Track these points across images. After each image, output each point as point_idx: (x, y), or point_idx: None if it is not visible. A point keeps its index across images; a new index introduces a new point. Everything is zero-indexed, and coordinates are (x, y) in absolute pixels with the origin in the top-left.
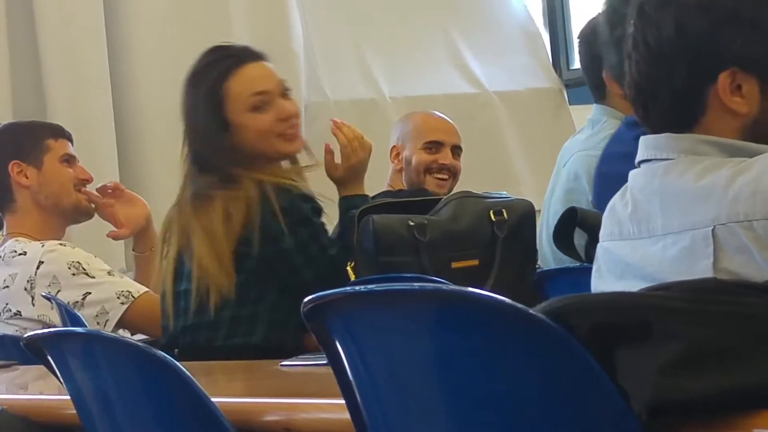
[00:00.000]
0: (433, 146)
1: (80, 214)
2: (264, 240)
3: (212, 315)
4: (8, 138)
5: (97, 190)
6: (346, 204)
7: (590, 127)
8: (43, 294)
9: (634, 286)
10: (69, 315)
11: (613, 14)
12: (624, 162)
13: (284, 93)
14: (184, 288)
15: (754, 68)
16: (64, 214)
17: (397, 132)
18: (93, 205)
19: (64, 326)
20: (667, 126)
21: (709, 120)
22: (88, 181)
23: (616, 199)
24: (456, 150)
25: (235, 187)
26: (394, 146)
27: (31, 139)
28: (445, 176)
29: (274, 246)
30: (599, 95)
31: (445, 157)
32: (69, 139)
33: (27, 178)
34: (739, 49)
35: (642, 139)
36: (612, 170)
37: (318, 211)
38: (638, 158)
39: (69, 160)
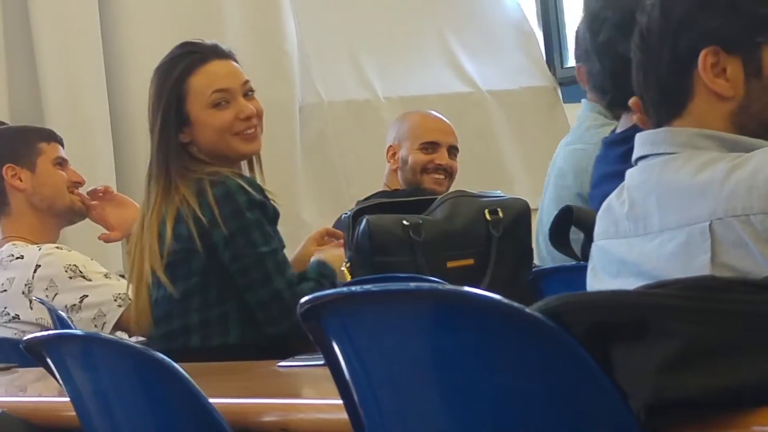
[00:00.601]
0: (430, 146)
1: (74, 215)
2: (198, 235)
3: (178, 322)
4: (1, 142)
5: (87, 193)
6: (320, 266)
7: (576, 121)
8: (36, 298)
9: (630, 284)
10: (60, 321)
11: (593, 21)
12: (613, 182)
13: (247, 93)
14: (160, 295)
15: (736, 48)
16: (58, 216)
17: (394, 132)
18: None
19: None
20: (659, 116)
21: (697, 106)
22: (81, 183)
23: (612, 198)
24: (452, 150)
25: (175, 188)
26: (390, 146)
27: (24, 142)
28: (442, 176)
29: (206, 240)
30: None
31: (442, 157)
32: (60, 143)
33: (21, 180)
34: (718, 29)
35: (638, 136)
36: (604, 193)
37: (257, 204)
38: (635, 155)
39: (61, 163)
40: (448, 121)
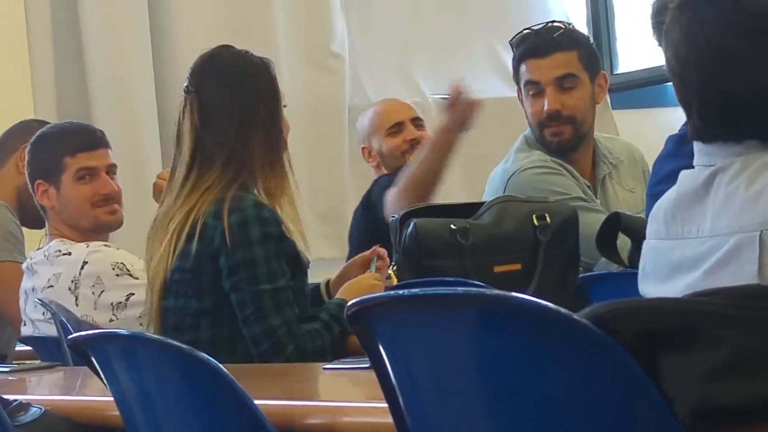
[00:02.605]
0: (395, 128)
1: (102, 230)
2: (207, 255)
3: (189, 336)
4: (33, 155)
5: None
6: (339, 308)
7: None
8: (37, 300)
9: (679, 288)
10: (63, 327)
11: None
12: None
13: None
14: (171, 305)
15: None
16: (86, 233)
17: (360, 135)
18: (114, 217)
19: (59, 337)
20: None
21: None
22: (111, 194)
23: (665, 198)
24: (416, 121)
25: (201, 189)
26: (363, 147)
27: (51, 156)
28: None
29: (214, 263)
30: None
31: (410, 132)
32: (90, 148)
33: (48, 198)
34: None
35: (695, 144)
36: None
37: (272, 237)
38: (694, 162)
39: (86, 175)
40: (398, 99)
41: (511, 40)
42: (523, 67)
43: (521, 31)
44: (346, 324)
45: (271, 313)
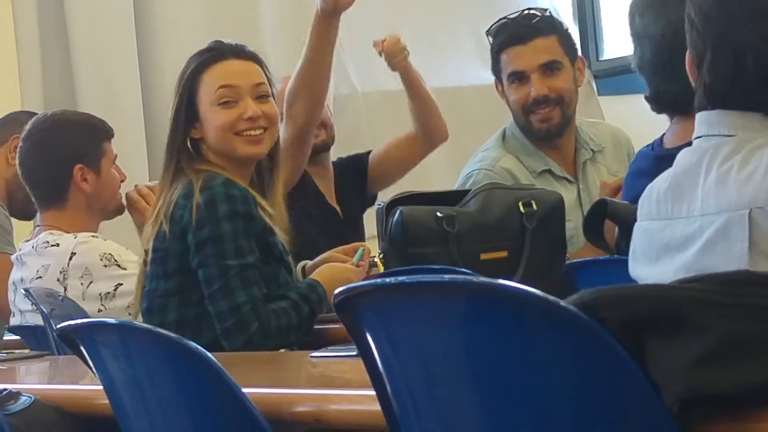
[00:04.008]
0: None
1: (117, 213)
2: (177, 237)
3: (158, 318)
4: (71, 137)
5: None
6: (309, 288)
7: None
8: (23, 291)
9: (669, 269)
10: (46, 319)
11: None
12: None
13: (260, 96)
14: (146, 289)
15: None
16: (106, 215)
17: None
18: (124, 203)
19: (45, 327)
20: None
21: None
22: (123, 180)
23: (657, 181)
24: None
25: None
26: None
27: (93, 141)
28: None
29: (181, 242)
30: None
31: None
32: (113, 136)
33: (87, 182)
34: None
35: (698, 115)
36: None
37: (239, 215)
38: (694, 135)
39: (114, 161)
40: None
41: (488, 30)
42: (504, 57)
43: (497, 21)
44: (315, 304)
45: (237, 289)
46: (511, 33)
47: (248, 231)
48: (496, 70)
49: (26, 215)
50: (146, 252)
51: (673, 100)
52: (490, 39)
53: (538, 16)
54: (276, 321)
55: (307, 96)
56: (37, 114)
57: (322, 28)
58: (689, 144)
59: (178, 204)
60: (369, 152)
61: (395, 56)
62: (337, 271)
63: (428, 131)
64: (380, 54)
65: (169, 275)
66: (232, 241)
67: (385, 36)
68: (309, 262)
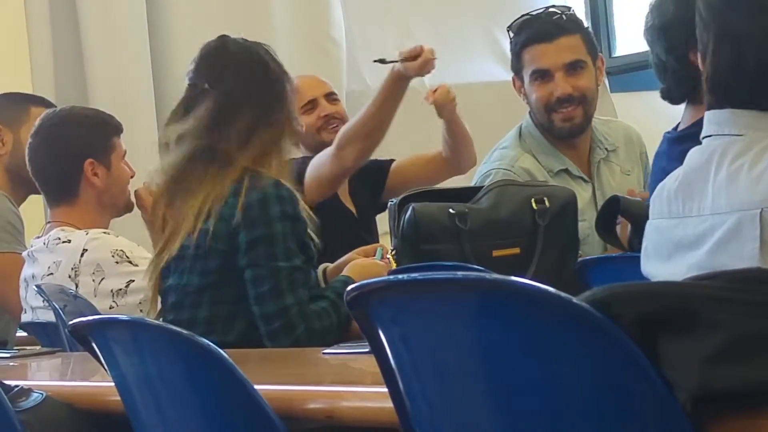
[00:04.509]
0: (309, 106)
1: (127, 210)
2: (224, 235)
3: (187, 313)
4: (82, 132)
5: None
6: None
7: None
8: (35, 287)
9: (681, 267)
10: (58, 314)
11: None
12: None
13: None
14: (172, 283)
15: None
16: (117, 211)
17: None
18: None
19: (57, 323)
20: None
21: None
22: (132, 176)
23: (668, 179)
24: (330, 96)
25: (220, 175)
26: None
27: (102, 136)
28: (335, 124)
29: (231, 241)
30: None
31: (324, 108)
32: (122, 131)
33: (98, 177)
34: None
35: (706, 114)
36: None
37: (289, 217)
38: (702, 134)
39: (124, 156)
40: (310, 75)
41: (510, 26)
42: (527, 54)
43: (520, 17)
44: None
45: (286, 291)
46: (537, 30)
47: (295, 233)
48: (517, 66)
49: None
50: (164, 244)
51: (679, 94)
52: (511, 34)
53: (560, 13)
54: (320, 322)
55: (361, 144)
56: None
57: (396, 89)
58: (699, 124)
59: (228, 203)
60: (391, 161)
61: (445, 107)
62: (365, 266)
63: (460, 159)
64: (430, 103)
65: (207, 272)
66: (282, 243)
67: (434, 87)
68: (330, 265)
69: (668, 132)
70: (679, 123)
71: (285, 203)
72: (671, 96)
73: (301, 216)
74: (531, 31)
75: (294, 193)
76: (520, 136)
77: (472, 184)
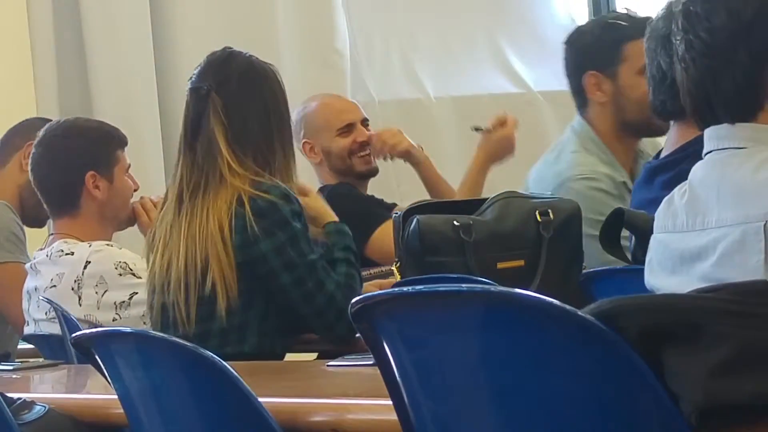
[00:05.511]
0: (347, 129)
1: (130, 223)
2: (240, 244)
3: (199, 327)
4: (84, 144)
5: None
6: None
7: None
8: (42, 297)
9: (686, 280)
10: (68, 323)
11: None
12: (654, 209)
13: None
14: (170, 300)
15: None
16: (118, 225)
17: (300, 127)
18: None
19: (63, 335)
20: (734, 117)
21: None
22: (136, 189)
23: (674, 193)
24: (365, 122)
25: (221, 190)
26: (305, 142)
27: (105, 149)
28: (367, 152)
29: (249, 250)
30: (580, 102)
31: (361, 134)
32: (126, 144)
33: (99, 190)
34: None
35: (707, 131)
36: None
37: (298, 214)
38: (704, 150)
39: (128, 169)
40: (347, 98)
41: (606, 16)
42: (635, 47)
43: (614, 12)
44: (351, 239)
45: (325, 280)
46: (640, 27)
47: (305, 225)
48: (614, 58)
49: (38, 222)
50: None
51: (673, 109)
52: (608, 26)
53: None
54: (354, 285)
55: None
56: (51, 120)
57: (484, 176)
58: (679, 152)
59: (237, 215)
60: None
61: (398, 151)
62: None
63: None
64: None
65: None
66: (303, 237)
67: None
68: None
69: (648, 162)
70: (660, 150)
71: (291, 201)
72: (665, 110)
73: (302, 210)
74: (635, 26)
75: (291, 191)
76: (581, 141)
77: (528, 186)
